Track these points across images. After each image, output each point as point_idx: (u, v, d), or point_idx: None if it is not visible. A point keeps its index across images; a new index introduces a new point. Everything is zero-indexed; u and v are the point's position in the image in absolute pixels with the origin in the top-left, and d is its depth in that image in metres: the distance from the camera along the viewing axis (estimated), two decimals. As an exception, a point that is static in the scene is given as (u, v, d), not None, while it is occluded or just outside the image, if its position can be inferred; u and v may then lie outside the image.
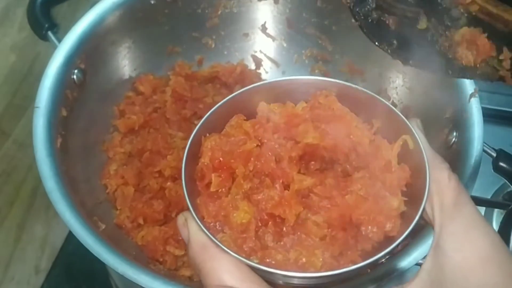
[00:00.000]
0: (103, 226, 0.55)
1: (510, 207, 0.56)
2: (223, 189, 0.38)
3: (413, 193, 0.37)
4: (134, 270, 0.46)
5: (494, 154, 0.55)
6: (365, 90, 0.39)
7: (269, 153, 0.38)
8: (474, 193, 0.51)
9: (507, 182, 0.55)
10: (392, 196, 0.36)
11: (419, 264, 0.47)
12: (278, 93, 0.40)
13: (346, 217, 0.37)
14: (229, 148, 0.38)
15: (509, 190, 0.77)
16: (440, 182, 0.36)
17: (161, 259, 0.58)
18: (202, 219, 0.37)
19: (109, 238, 0.50)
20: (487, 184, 0.76)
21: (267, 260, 0.35)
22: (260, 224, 0.37)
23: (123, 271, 0.46)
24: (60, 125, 0.55)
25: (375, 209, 0.36)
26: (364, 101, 0.39)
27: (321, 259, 0.36)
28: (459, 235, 0.34)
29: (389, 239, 0.36)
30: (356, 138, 0.38)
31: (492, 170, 0.55)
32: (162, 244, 0.58)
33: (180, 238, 0.58)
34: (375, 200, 0.36)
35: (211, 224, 0.37)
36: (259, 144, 0.39)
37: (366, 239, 0.37)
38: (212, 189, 0.37)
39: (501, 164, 0.54)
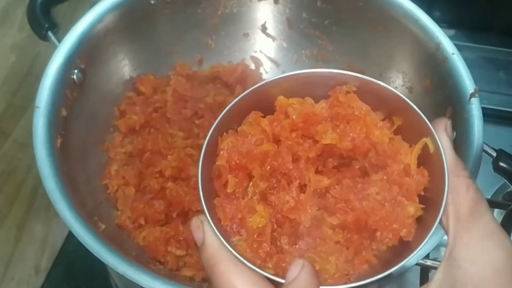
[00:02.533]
0: (103, 226, 0.55)
1: (510, 207, 0.55)
2: (240, 189, 0.38)
3: (431, 197, 0.36)
4: (134, 270, 0.46)
5: (494, 154, 0.55)
6: (387, 86, 0.37)
7: (286, 153, 0.38)
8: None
9: (507, 182, 0.55)
10: (409, 203, 0.36)
11: (419, 264, 0.47)
12: (296, 86, 0.39)
13: (362, 221, 0.36)
14: (245, 149, 0.37)
15: (509, 190, 0.77)
16: (458, 191, 0.35)
17: (162, 260, 0.58)
18: (218, 222, 0.36)
19: (110, 239, 0.50)
20: (487, 184, 0.76)
21: (282, 265, 0.35)
22: (275, 226, 0.37)
23: (123, 271, 0.46)
24: (60, 125, 0.55)
25: (391, 216, 0.36)
26: (386, 97, 0.38)
27: (334, 266, 0.36)
28: (473, 246, 0.34)
29: (404, 242, 0.36)
30: (375, 138, 0.38)
31: (492, 170, 0.55)
32: (163, 244, 0.58)
33: (182, 238, 0.59)
34: (392, 206, 0.36)
35: (228, 227, 0.37)
36: (277, 141, 0.39)
37: (381, 243, 0.36)
38: (229, 190, 0.37)
39: (501, 164, 0.54)
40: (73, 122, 0.58)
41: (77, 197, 0.52)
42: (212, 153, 0.38)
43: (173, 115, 0.67)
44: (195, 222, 0.36)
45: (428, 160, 0.37)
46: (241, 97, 0.38)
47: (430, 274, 0.65)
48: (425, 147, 0.37)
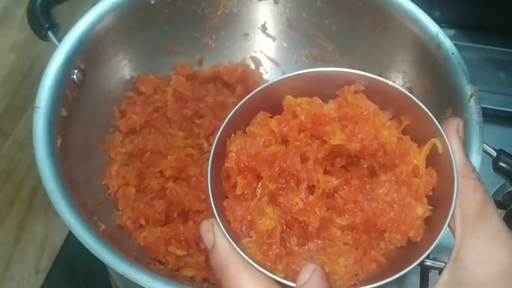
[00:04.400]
0: (103, 226, 0.55)
1: (510, 207, 0.56)
2: (249, 191, 0.38)
3: (439, 198, 0.36)
4: (134, 270, 0.46)
5: (494, 154, 0.55)
6: (396, 86, 0.37)
7: (295, 154, 0.38)
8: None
9: (507, 182, 0.55)
10: (417, 204, 0.36)
11: (419, 264, 0.47)
12: (304, 85, 0.39)
13: (370, 222, 0.37)
14: (254, 150, 0.37)
15: (509, 190, 0.77)
16: (466, 193, 0.35)
17: (163, 260, 0.58)
18: (228, 224, 0.37)
19: (110, 239, 0.50)
20: (487, 184, 0.75)
21: (292, 266, 0.35)
22: (285, 227, 0.37)
23: (123, 271, 0.46)
24: (60, 125, 0.55)
25: (399, 217, 0.36)
26: (394, 96, 0.38)
27: (344, 268, 0.36)
28: (480, 248, 0.34)
29: (412, 242, 0.36)
30: (383, 138, 0.38)
31: (492, 170, 0.55)
32: (164, 244, 0.58)
33: (182, 238, 0.59)
34: (400, 208, 0.36)
35: (237, 229, 0.37)
36: (285, 141, 0.39)
37: (389, 243, 0.37)
38: (237, 191, 0.37)
39: (501, 164, 0.54)
40: (73, 122, 0.58)
41: (77, 197, 0.52)
42: (220, 154, 0.38)
43: (173, 115, 0.67)
44: (205, 225, 0.36)
45: (437, 161, 0.37)
46: (249, 98, 0.38)
47: (430, 274, 0.65)
48: (433, 147, 0.37)
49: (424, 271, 0.65)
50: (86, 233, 0.48)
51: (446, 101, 0.57)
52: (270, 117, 0.39)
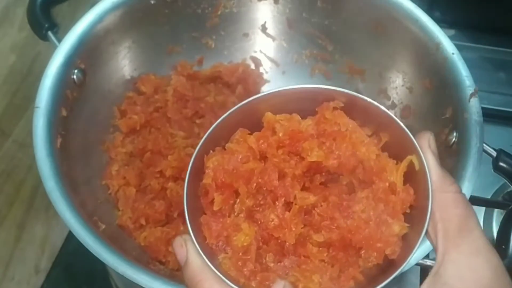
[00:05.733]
0: (103, 226, 0.55)
1: (510, 207, 0.55)
2: (227, 206, 0.38)
3: (417, 215, 0.36)
4: (134, 270, 0.46)
5: (494, 154, 0.55)
6: (374, 102, 0.37)
7: (273, 170, 0.38)
8: (474, 193, 0.51)
9: (507, 182, 0.55)
10: (394, 221, 0.36)
11: (419, 264, 0.47)
12: (284, 101, 0.39)
13: (347, 239, 0.37)
14: (231, 166, 0.38)
15: (509, 190, 0.77)
16: (446, 208, 0.34)
17: (163, 260, 0.58)
18: (203, 240, 0.37)
19: (110, 239, 0.50)
20: (487, 184, 0.76)
21: (266, 283, 0.35)
22: (261, 244, 0.37)
23: (123, 271, 0.46)
24: (60, 125, 0.55)
25: (375, 235, 0.36)
26: (373, 113, 0.38)
27: (318, 285, 0.36)
28: (461, 263, 0.33)
29: (390, 260, 0.36)
30: (362, 155, 0.38)
31: (492, 170, 0.55)
32: (164, 244, 0.58)
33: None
34: (376, 225, 0.36)
35: (213, 245, 0.37)
36: (263, 158, 0.39)
37: (366, 260, 0.37)
38: (215, 207, 0.37)
39: (501, 164, 0.54)
40: (73, 122, 0.58)
41: (77, 197, 0.52)
42: (199, 170, 0.38)
43: (173, 114, 0.67)
44: (178, 241, 0.36)
45: (415, 178, 0.37)
46: (229, 114, 0.38)
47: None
48: (411, 164, 0.37)
49: (424, 271, 0.65)
50: (86, 233, 0.48)
51: (446, 101, 0.57)
52: (249, 134, 0.39)
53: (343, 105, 0.38)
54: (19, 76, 0.71)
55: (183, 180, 0.62)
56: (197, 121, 0.68)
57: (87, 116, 0.61)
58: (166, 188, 0.62)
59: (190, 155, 0.64)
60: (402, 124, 0.37)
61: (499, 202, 0.77)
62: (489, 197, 0.77)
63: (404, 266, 0.35)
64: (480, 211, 0.76)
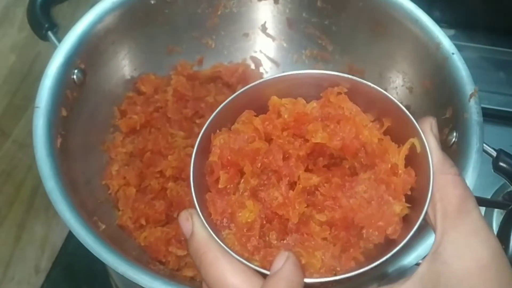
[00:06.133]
0: (103, 226, 0.55)
1: (510, 207, 0.55)
2: (231, 185, 0.38)
3: (418, 196, 0.37)
4: (134, 270, 0.46)
5: (494, 154, 0.55)
6: (377, 88, 0.38)
7: (277, 151, 0.38)
8: (474, 193, 0.50)
9: (507, 182, 0.55)
10: (395, 201, 0.36)
11: (419, 264, 0.47)
12: (290, 86, 0.40)
13: (349, 218, 0.37)
14: (237, 146, 0.38)
15: (509, 190, 0.77)
16: (445, 189, 0.35)
17: (163, 260, 0.58)
18: (208, 216, 0.37)
19: (110, 239, 0.50)
20: (487, 184, 0.76)
21: (269, 258, 0.36)
22: (265, 222, 0.38)
23: (123, 271, 0.46)
24: (60, 125, 0.55)
25: (377, 214, 0.36)
26: (376, 98, 0.38)
27: (320, 261, 0.36)
28: (459, 243, 0.34)
29: (390, 241, 0.36)
30: (364, 138, 0.38)
31: (492, 170, 0.55)
32: (164, 244, 0.58)
33: (183, 238, 0.59)
34: (378, 205, 0.36)
35: (218, 221, 0.37)
36: (268, 140, 0.39)
37: (367, 240, 0.37)
38: (220, 185, 0.38)
39: (501, 164, 0.54)
40: (73, 122, 0.58)
41: (77, 197, 0.52)
42: (205, 150, 0.39)
43: (174, 114, 0.67)
44: (184, 214, 0.37)
45: (416, 161, 0.37)
46: (236, 96, 0.39)
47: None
48: (413, 148, 0.37)
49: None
50: (86, 233, 0.48)
51: (446, 101, 0.57)
52: (255, 116, 0.40)
53: (346, 90, 0.39)
54: (19, 76, 0.71)
55: (183, 180, 0.62)
56: (197, 121, 0.68)
57: (87, 116, 0.61)
58: (166, 188, 0.62)
59: (190, 155, 0.65)
60: (404, 109, 0.37)
61: (499, 202, 0.77)
62: (489, 197, 0.77)
63: (404, 243, 0.35)
64: (480, 211, 0.76)
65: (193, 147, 0.66)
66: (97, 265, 0.55)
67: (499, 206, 0.75)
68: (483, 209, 0.76)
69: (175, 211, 0.61)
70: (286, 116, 0.39)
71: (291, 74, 0.39)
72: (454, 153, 0.54)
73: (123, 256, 0.47)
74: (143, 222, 0.60)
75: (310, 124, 0.39)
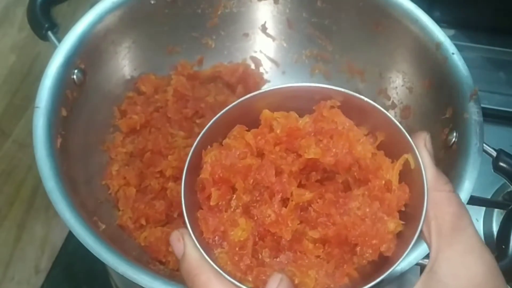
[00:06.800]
0: (103, 226, 0.55)
1: (510, 207, 0.55)
2: (223, 202, 0.38)
3: (412, 213, 0.36)
4: (134, 270, 0.46)
5: (494, 154, 0.55)
6: (370, 101, 0.38)
7: (270, 167, 0.38)
8: (474, 193, 0.51)
9: (507, 182, 0.55)
10: (389, 218, 0.36)
11: (419, 264, 0.47)
12: (282, 99, 0.39)
13: (342, 235, 0.37)
14: (229, 162, 0.38)
15: (509, 190, 0.77)
16: (440, 206, 0.35)
17: (163, 260, 0.58)
18: (200, 234, 0.37)
19: (110, 239, 0.50)
20: (487, 184, 0.76)
21: (262, 277, 0.35)
22: (257, 239, 0.37)
23: (123, 271, 0.46)
24: (60, 125, 0.55)
25: (371, 231, 0.36)
26: (369, 112, 0.38)
27: (314, 280, 0.36)
28: (455, 261, 0.34)
29: (384, 258, 0.36)
30: (358, 153, 0.38)
31: (492, 170, 0.55)
32: (164, 244, 0.58)
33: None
34: (372, 222, 0.36)
35: (210, 239, 0.37)
36: (261, 155, 0.39)
37: (361, 257, 0.37)
38: (212, 202, 0.37)
39: (501, 164, 0.54)
40: (73, 122, 0.58)
41: (77, 197, 0.52)
42: (197, 166, 0.38)
43: (174, 114, 0.67)
44: (175, 235, 0.36)
45: (410, 176, 0.37)
46: (227, 110, 0.38)
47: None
48: (406, 163, 0.37)
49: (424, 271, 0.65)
50: (86, 233, 0.48)
51: (446, 101, 0.57)
52: (247, 131, 0.39)
53: (339, 104, 0.39)
54: (19, 76, 0.71)
55: (183, 180, 0.62)
56: (197, 121, 0.68)
57: (87, 116, 0.61)
58: (166, 188, 0.62)
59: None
60: (398, 124, 0.37)
61: (499, 202, 0.77)
62: (489, 197, 0.77)
63: (399, 263, 0.35)
64: (480, 211, 0.76)
65: (193, 147, 0.66)
66: (97, 265, 0.55)
67: (499, 206, 0.75)
68: (483, 209, 0.77)
69: (175, 211, 0.61)
70: (278, 131, 0.39)
71: (283, 87, 0.39)
72: (454, 153, 0.54)
73: (123, 256, 0.47)
74: (143, 222, 0.60)
75: (303, 139, 0.38)
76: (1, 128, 0.70)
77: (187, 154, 0.63)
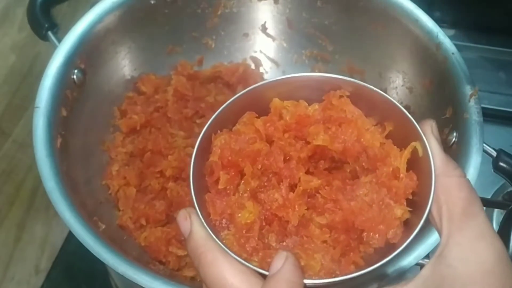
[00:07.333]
0: (103, 226, 0.55)
1: (510, 207, 0.55)
2: (231, 186, 0.38)
3: (419, 201, 0.36)
4: (134, 270, 0.46)
5: (494, 154, 0.55)
6: (379, 91, 0.38)
7: (278, 153, 0.38)
8: (474, 193, 0.51)
9: (507, 182, 0.55)
10: (396, 205, 0.36)
11: (419, 264, 0.47)
12: (292, 89, 0.40)
13: (349, 221, 0.37)
14: (238, 146, 0.38)
15: (509, 190, 0.77)
16: (450, 191, 0.35)
17: (164, 260, 0.58)
18: (207, 216, 0.37)
19: (110, 239, 0.50)
20: (487, 184, 0.76)
21: (268, 260, 0.35)
22: (264, 224, 0.38)
23: (123, 271, 0.46)
24: (60, 125, 0.55)
25: (378, 217, 0.36)
26: (378, 102, 0.38)
27: (320, 263, 0.36)
28: (465, 246, 0.34)
29: (391, 245, 0.36)
30: (366, 142, 0.38)
31: (492, 170, 0.55)
32: (164, 244, 0.58)
33: (183, 238, 0.59)
34: (379, 208, 0.36)
35: (217, 221, 0.37)
36: (270, 141, 0.39)
37: (367, 244, 0.37)
38: (220, 186, 0.38)
39: (501, 164, 0.54)
40: (73, 122, 0.58)
41: (77, 197, 0.52)
42: (206, 150, 0.39)
43: (174, 114, 0.67)
44: (182, 213, 0.36)
45: (418, 165, 0.37)
46: (237, 97, 0.39)
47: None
48: (415, 152, 0.37)
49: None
50: (86, 233, 0.48)
51: (446, 101, 0.57)
52: (257, 117, 0.40)
53: (349, 93, 0.39)
54: (19, 76, 0.71)
55: (184, 180, 0.62)
56: (198, 121, 0.68)
57: (87, 116, 0.61)
58: (167, 188, 0.62)
59: (190, 155, 0.65)
60: (405, 111, 0.37)
61: (499, 202, 0.77)
62: (489, 197, 0.77)
63: (405, 246, 0.35)
64: (486, 214, 0.76)
65: (193, 147, 0.66)
66: (97, 265, 0.55)
67: (499, 206, 0.75)
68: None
69: (175, 211, 0.61)
70: (287, 118, 0.39)
71: (293, 77, 0.39)
72: (454, 153, 0.54)
73: (123, 256, 0.47)
74: (143, 222, 0.60)
75: (312, 126, 0.39)
76: (1, 128, 0.70)
77: (187, 154, 0.63)
